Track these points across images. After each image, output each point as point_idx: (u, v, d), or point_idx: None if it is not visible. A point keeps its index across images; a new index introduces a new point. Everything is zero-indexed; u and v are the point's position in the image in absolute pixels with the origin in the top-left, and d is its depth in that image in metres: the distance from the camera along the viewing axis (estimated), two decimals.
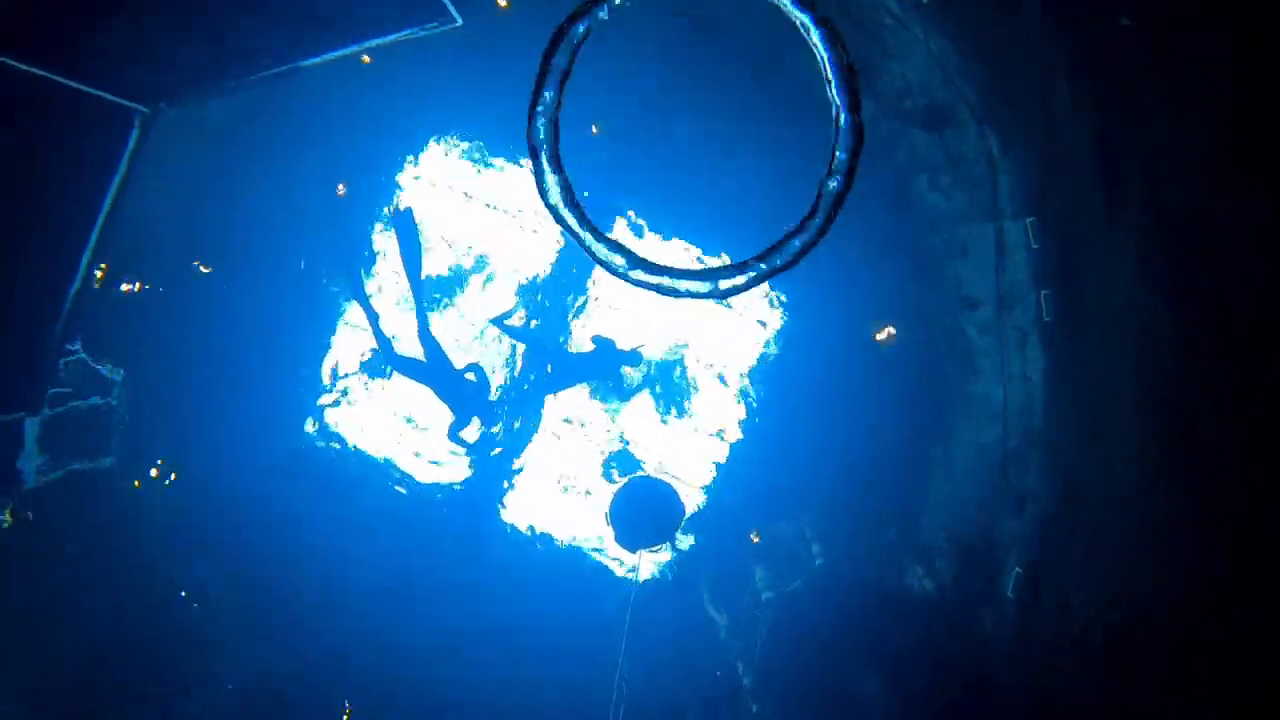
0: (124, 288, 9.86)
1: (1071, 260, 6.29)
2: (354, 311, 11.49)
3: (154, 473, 10.66)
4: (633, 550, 9.03)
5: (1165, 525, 5.26)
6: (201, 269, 10.48)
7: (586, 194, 11.29)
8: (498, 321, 11.41)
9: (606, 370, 11.05)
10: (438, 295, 11.83)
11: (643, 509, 9.00)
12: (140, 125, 5.32)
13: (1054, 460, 6.90)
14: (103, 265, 9.63)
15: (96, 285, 9.50)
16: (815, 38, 2.50)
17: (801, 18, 2.50)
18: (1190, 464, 5.01)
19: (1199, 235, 4.70)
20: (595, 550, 11.29)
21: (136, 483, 10.53)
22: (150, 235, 9.82)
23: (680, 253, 11.34)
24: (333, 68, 10.10)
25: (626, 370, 11.31)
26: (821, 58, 2.53)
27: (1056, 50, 5.45)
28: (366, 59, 10.23)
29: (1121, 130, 4.93)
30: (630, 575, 9.25)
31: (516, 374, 11.60)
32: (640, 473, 11.35)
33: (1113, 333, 5.75)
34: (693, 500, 11.20)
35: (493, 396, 11.03)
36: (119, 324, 9.90)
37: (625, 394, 11.67)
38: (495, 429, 11.23)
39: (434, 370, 10.65)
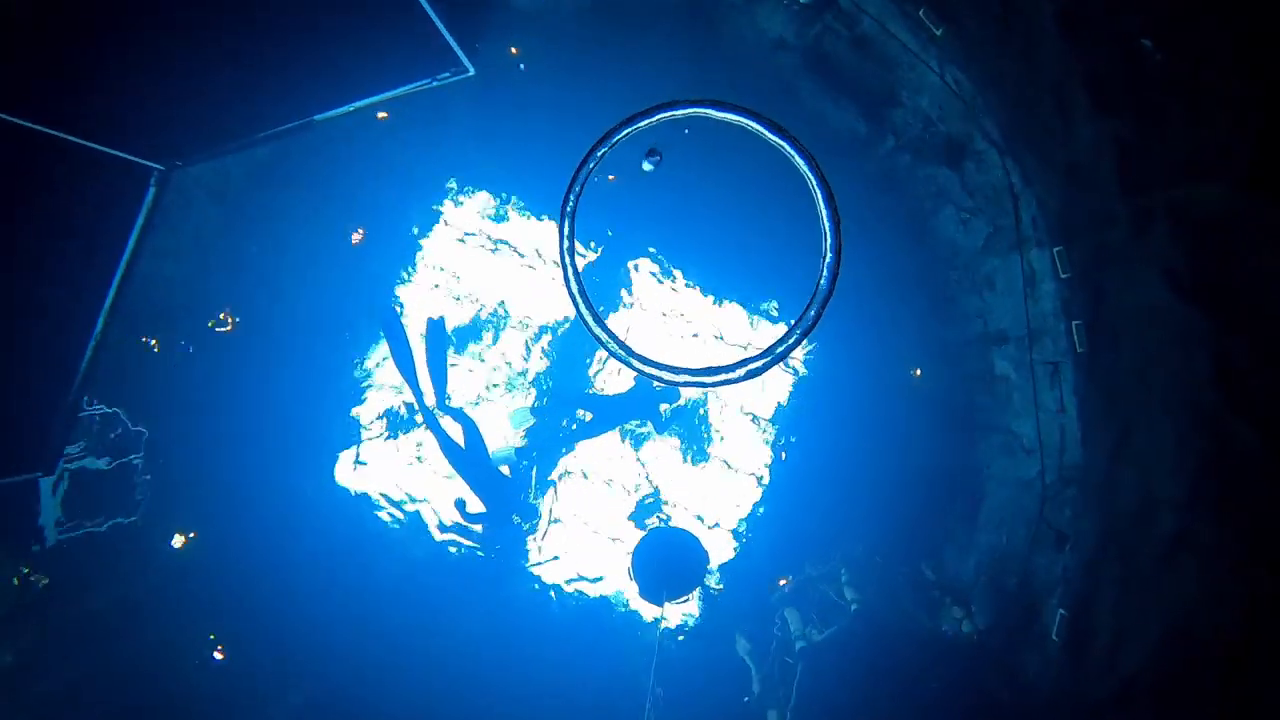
0: (152, 342, 9.92)
1: (1100, 284, 6.10)
2: (387, 369, 11.43)
3: (178, 540, 10.59)
4: (657, 603, 8.67)
5: (1214, 556, 4.99)
6: (220, 326, 10.52)
7: (602, 244, 11.30)
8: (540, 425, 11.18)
9: (644, 408, 10.72)
10: (453, 350, 11.80)
11: (665, 560, 8.67)
12: (156, 183, 5.35)
13: (1093, 496, 6.63)
14: (154, 340, 9.78)
15: (154, 348, 9.62)
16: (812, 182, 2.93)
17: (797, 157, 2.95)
18: (1234, 487, 4.77)
19: (1223, 239, 4.54)
20: (622, 598, 11.04)
21: (179, 539, 10.47)
22: (172, 293, 9.91)
23: (687, 292, 11.34)
24: (348, 123, 10.35)
25: (664, 407, 10.99)
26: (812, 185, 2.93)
27: (1073, 73, 5.35)
28: (383, 114, 10.39)
29: (1143, 142, 4.79)
30: (658, 622, 8.94)
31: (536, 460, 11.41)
32: (658, 520, 11.09)
33: (1147, 353, 5.54)
34: (721, 546, 10.94)
35: (532, 497, 10.63)
36: (143, 381, 9.94)
37: (662, 431, 11.43)
38: (533, 526, 10.90)
39: (471, 462, 10.27)
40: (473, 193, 11.35)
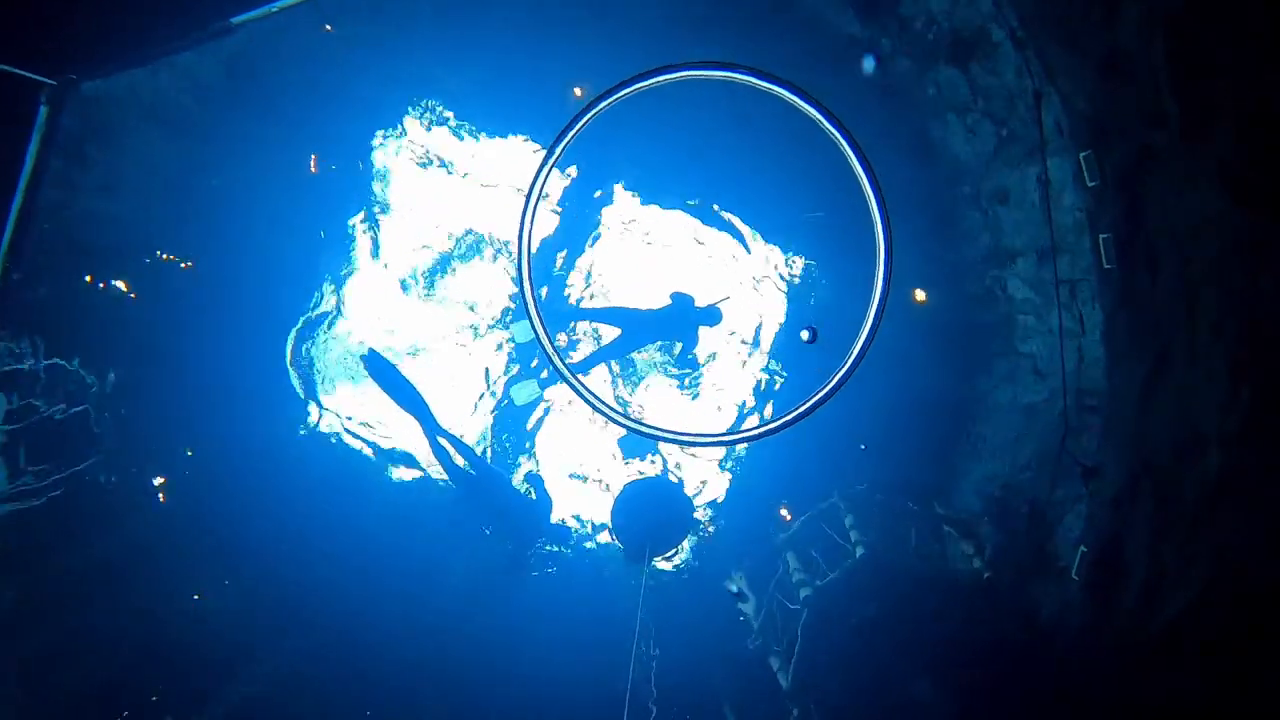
0: (99, 283, 9.20)
1: (1138, 192, 5.43)
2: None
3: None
4: (642, 561, 8.05)
5: (1266, 492, 4.50)
6: (182, 264, 9.75)
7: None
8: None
9: (681, 329, 9.69)
10: (428, 283, 11.15)
11: (646, 515, 8.02)
12: (48, 101, 4.54)
13: (1121, 427, 6.12)
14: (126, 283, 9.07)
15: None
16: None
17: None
18: None
19: None
20: (610, 542, 10.66)
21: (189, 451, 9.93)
22: (120, 231, 9.11)
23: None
24: (298, 39, 9.36)
25: (703, 330, 9.87)
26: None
27: None
28: (328, 27, 9.36)
29: (1207, 24, 4.07)
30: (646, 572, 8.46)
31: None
32: (637, 471, 10.53)
33: (1194, 270, 4.92)
34: (717, 486, 10.47)
35: (555, 518, 9.78)
36: (96, 325, 9.23)
37: (694, 359, 10.68)
38: (557, 548, 10.25)
39: (488, 492, 9.50)
40: (434, 113, 10.44)
